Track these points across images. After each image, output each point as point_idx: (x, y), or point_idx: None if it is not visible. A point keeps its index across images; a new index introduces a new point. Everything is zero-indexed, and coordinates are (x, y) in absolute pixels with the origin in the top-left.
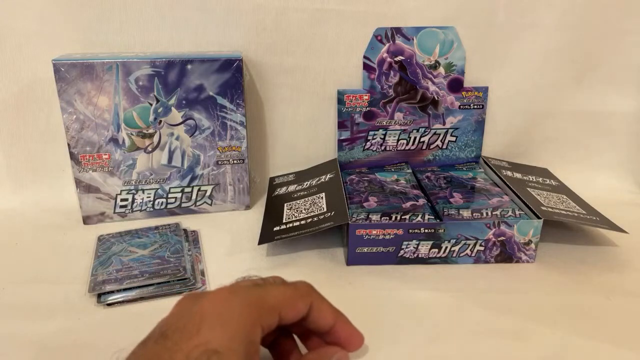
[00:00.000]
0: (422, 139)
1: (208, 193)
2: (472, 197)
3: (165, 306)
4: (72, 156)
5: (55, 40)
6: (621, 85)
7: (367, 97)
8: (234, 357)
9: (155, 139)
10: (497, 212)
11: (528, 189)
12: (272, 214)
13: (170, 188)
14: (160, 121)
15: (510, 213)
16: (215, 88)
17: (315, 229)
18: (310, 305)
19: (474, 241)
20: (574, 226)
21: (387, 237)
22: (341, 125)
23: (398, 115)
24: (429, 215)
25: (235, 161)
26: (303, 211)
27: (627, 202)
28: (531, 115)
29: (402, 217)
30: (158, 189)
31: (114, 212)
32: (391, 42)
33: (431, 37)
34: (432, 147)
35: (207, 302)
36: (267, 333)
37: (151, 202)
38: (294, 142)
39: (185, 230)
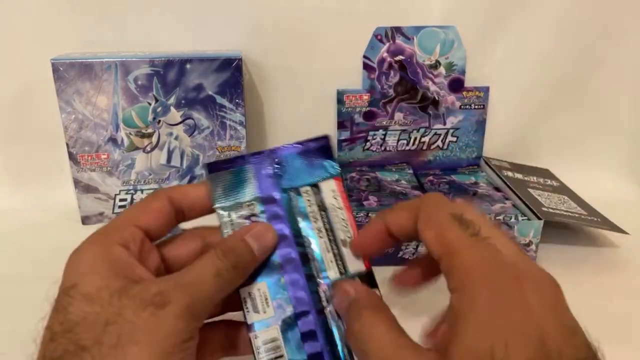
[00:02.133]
0: (422, 139)
1: None
2: (474, 204)
3: None
4: (71, 156)
5: (54, 40)
6: (622, 85)
7: (367, 97)
8: (93, 278)
9: (154, 138)
10: (500, 218)
11: (529, 189)
12: None
13: None
14: (159, 121)
15: (513, 220)
16: (214, 87)
17: None
18: (169, 199)
19: None
20: (574, 227)
21: None
22: (341, 125)
23: (398, 115)
24: None
25: None
26: None
27: (628, 202)
28: (532, 115)
29: None
30: (157, 189)
31: (113, 212)
32: (391, 41)
33: (432, 36)
34: (432, 147)
35: (68, 261)
36: (140, 249)
37: None
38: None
39: (184, 230)
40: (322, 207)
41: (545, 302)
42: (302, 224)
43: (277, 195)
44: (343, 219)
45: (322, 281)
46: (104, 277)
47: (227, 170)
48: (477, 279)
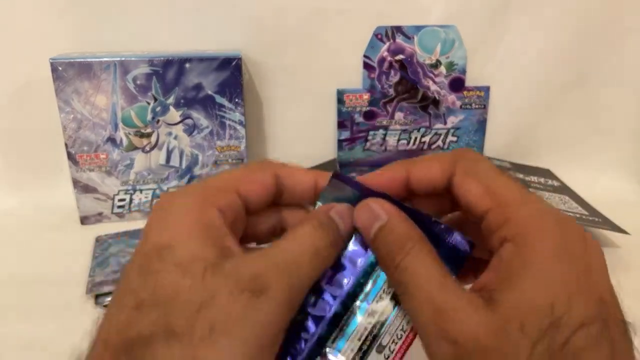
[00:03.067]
0: (423, 139)
1: None
2: None
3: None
4: (70, 156)
5: (53, 39)
6: (622, 85)
7: (367, 97)
8: (189, 244)
9: (153, 138)
10: None
11: (530, 189)
12: None
13: (168, 188)
14: (158, 120)
15: None
16: (214, 87)
17: None
18: (275, 175)
19: None
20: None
21: None
22: (341, 125)
23: (398, 115)
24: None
25: (234, 161)
26: None
27: (629, 202)
28: (533, 115)
29: None
30: (156, 189)
31: (112, 213)
32: (392, 40)
33: (432, 36)
34: (433, 147)
35: (151, 214)
36: (234, 217)
37: (149, 203)
38: (293, 142)
39: None
40: (395, 299)
41: (602, 266)
42: (362, 294)
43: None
44: (401, 330)
45: (330, 354)
46: (199, 245)
47: (349, 187)
48: (540, 231)
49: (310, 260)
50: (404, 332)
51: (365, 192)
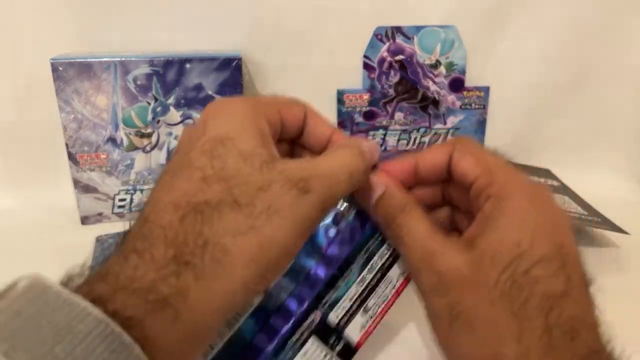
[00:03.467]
0: (422, 139)
1: None
2: None
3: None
4: (70, 156)
5: (53, 39)
6: (622, 85)
7: (367, 97)
8: (248, 138)
9: (154, 138)
10: None
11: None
12: None
13: None
14: (159, 121)
15: None
16: (214, 87)
17: None
18: (305, 113)
19: None
20: (575, 227)
21: None
22: (341, 125)
23: (398, 115)
24: None
25: None
26: None
27: (629, 202)
28: (533, 115)
29: None
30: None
31: (112, 213)
32: (391, 41)
33: (432, 36)
34: None
35: (207, 109)
36: (275, 131)
37: None
38: None
39: None
40: (384, 269)
41: (565, 223)
42: (358, 262)
43: (370, 222)
44: (384, 296)
45: (319, 310)
46: (256, 142)
47: None
48: (516, 189)
49: (345, 180)
50: (387, 297)
51: None
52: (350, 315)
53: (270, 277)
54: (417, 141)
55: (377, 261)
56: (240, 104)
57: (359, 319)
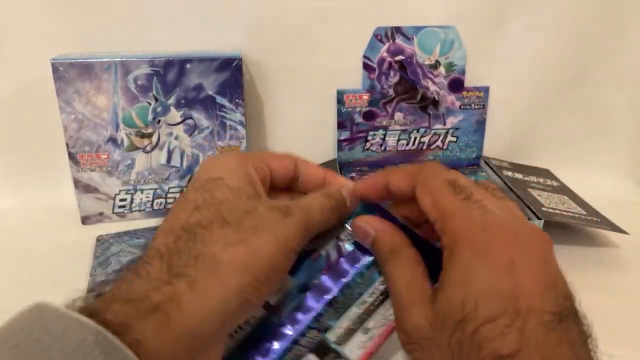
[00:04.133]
0: (422, 139)
1: None
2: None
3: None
4: (71, 156)
5: (53, 40)
6: (622, 85)
7: (366, 97)
8: (236, 180)
9: (154, 138)
10: None
11: (529, 189)
12: None
13: (169, 188)
14: (159, 121)
15: None
16: (214, 87)
17: None
18: (295, 163)
19: None
20: (574, 227)
21: None
22: (341, 125)
23: (398, 115)
24: None
25: None
26: None
27: (628, 202)
28: (532, 115)
29: None
30: (157, 189)
31: (113, 212)
32: (391, 41)
33: (431, 36)
34: (432, 147)
35: (202, 163)
36: (264, 178)
37: (150, 202)
38: (293, 142)
39: None
40: (386, 293)
41: (531, 260)
42: (358, 287)
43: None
44: (384, 319)
45: (316, 332)
46: (243, 182)
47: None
48: (463, 239)
49: (319, 212)
50: (387, 320)
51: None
52: (349, 334)
53: (263, 290)
54: (416, 141)
55: (379, 286)
56: (231, 155)
57: (358, 338)
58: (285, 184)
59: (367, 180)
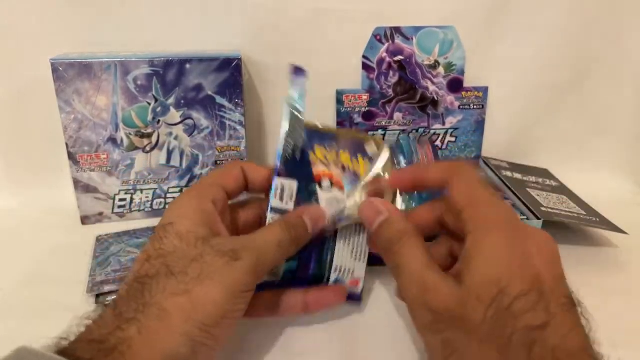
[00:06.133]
0: (421, 139)
1: None
2: None
3: None
4: (70, 156)
5: (53, 40)
6: (621, 85)
7: (366, 97)
8: (186, 222)
9: (154, 138)
10: None
11: (528, 189)
12: None
13: (169, 188)
14: (159, 121)
15: None
16: (214, 87)
17: None
18: (242, 169)
19: None
20: (573, 227)
21: None
22: (340, 125)
23: (397, 116)
24: None
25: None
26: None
27: (628, 202)
28: (531, 115)
29: None
30: (157, 189)
31: (113, 212)
32: (390, 41)
33: (431, 36)
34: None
35: (168, 206)
36: (222, 207)
37: (150, 202)
38: None
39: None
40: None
41: (543, 256)
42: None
43: None
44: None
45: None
46: (194, 224)
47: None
48: (493, 227)
49: (274, 249)
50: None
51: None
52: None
53: (217, 333)
54: None
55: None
56: (187, 195)
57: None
58: (241, 190)
59: (401, 172)
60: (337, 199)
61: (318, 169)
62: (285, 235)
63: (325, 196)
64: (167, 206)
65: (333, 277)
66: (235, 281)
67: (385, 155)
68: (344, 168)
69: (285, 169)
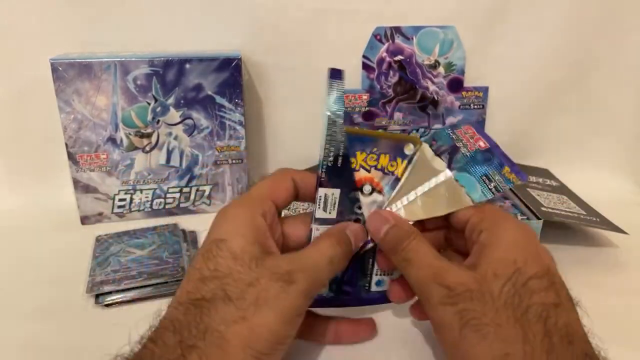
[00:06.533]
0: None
1: (207, 193)
2: None
3: (163, 307)
4: (70, 156)
5: (53, 40)
6: (622, 85)
7: (366, 97)
8: (239, 240)
9: (154, 138)
10: None
11: (528, 189)
12: None
13: (168, 188)
14: (159, 121)
15: None
16: (213, 87)
17: None
18: (292, 179)
19: None
20: (574, 227)
21: None
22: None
23: (397, 115)
24: None
25: (234, 161)
26: (301, 212)
27: (628, 202)
28: (531, 115)
29: None
30: (156, 189)
31: (112, 212)
32: (390, 41)
33: (431, 36)
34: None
35: (215, 217)
36: (272, 220)
37: (149, 202)
38: (292, 142)
39: (183, 230)
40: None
41: (547, 252)
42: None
43: None
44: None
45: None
46: (247, 241)
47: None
48: (502, 221)
49: (326, 267)
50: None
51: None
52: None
53: (270, 358)
54: None
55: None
56: (237, 207)
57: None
58: (291, 201)
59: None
60: (377, 203)
61: (360, 174)
62: (337, 251)
63: (366, 200)
64: (215, 216)
65: (375, 279)
66: (290, 306)
67: (423, 153)
68: (384, 171)
69: (328, 178)
